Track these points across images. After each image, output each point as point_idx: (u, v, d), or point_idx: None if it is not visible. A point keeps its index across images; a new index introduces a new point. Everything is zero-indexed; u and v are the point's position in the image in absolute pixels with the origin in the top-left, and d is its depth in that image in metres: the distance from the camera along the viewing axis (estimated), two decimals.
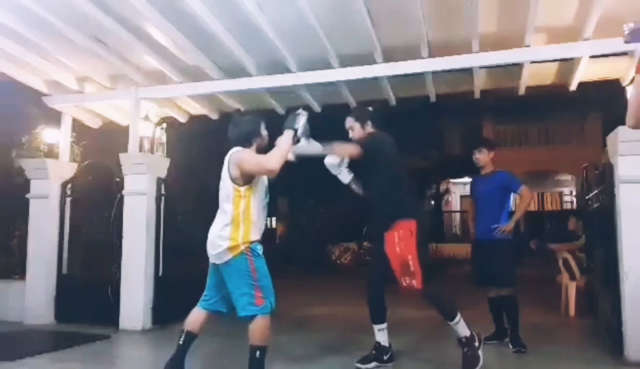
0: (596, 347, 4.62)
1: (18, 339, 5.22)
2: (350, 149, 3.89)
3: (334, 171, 4.02)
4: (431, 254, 13.98)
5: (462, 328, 3.76)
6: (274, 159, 3.17)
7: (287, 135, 3.28)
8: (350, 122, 4.08)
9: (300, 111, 3.44)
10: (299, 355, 4.46)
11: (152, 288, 5.67)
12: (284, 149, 3.23)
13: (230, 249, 3.20)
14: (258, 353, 3.19)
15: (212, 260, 3.35)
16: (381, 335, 3.94)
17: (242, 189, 3.24)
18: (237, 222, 3.23)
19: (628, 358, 4.07)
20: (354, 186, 4.09)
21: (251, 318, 3.18)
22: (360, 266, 14.40)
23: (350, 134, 4.06)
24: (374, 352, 3.94)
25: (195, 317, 3.43)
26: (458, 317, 3.76)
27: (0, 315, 6.10)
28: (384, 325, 3.95)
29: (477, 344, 3.75)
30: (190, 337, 3.40)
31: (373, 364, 3.90)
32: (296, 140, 3.33)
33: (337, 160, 3.94)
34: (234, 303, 3.28)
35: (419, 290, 3.70)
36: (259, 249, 3.29)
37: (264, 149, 3.42)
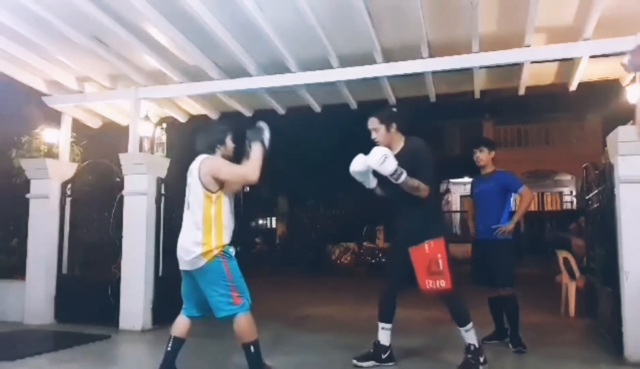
0: (596, 347, 4.62)
1: (18, 339, 5.21)
2: (423, 193, 3.66)
3: (359, 178, 3.89)
4: None
5: (471, 336, 3.78)
6: (254, 171, 3.36)
7: (257, 148, 3.43)
8: (374, 123, 3.86)
9: (260, 123, 3.58)
10: (298, 353, 4.46)
11: (152, 288, 5.67)
12: (259, 160, 3.39)
13: (204, 254, 3.29)
14: (252, 348, 3.30)
15: (184, 267, 3.42)
16: (383, 334, 3.95)
17: (214, 195, 3.36)
18: (208, 227, 3.32)
19: (628, 358, 4.07)
20: (378, 191, 4.00)
21: (231, 317, 3.28)
22: (360, 266, 14.41)
23: (374, 135, 3.88)
24: (371, 350, 3.95)
25: (181, 323, 3.50)
26: (471, 324, 3.78)
27: (0, 315, 6.10)
28: (389, 325, 3.96)
29: (481, 359, 3.76)
30: (178, 342, 3.45)
31: (370, 362, 3.91)
32: (265, 150, 3.46)
33: (363, 168, 3.75)
34: (211, 306, 3.36)
35: (447, 290, 3.71)
36: (232, 251, 3.39)
37: (228, 159, 3.55)
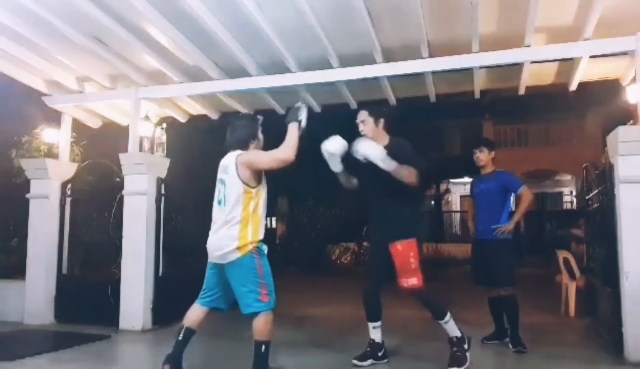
0: (596, 347, 4.62)
1: (18, 339, 5.21)
2: (413, 178, 3.77)
3: (329, 157, 3.86)
4: (431, 254, 14.02)
5: (452, 328, 3.89)
6: (288, 150, 3.34)
7: (293, 127, 3.43)
8: (364, 115, 4.02)
9: (299, 103, 3.57)
10: (298, 352, 4.48)
11: (152, 288, 5.67)
12: (294, 140, 3.39)
13: (239, 248, 3.30)
14: (263, 347, 3.32)
15: (215, 260, 3.42)
16: (375, 332, 4.05)
17: (254, 190, 3.37)
18: (246, 222, 3.33)
19: (628, 358, 4.08)
20: (342, 178, 4.02)
21: (256, 314, 3.28)
22: (360, 266, 14.40)
23: (361, 127, 4.01)
24: (368, 349, 4.03)
25: (195, 313, 3.50)
26: (448, 316, 3.88)
27: (0, 315, 6.10)
28: (379, 323, 4.06)
29: (466, 346, 3.88)
30: (189, 333, 3.47)
31: (369, 361, 3.99)
32: (301, 131, 3.46)
33: (339, 149, 3.78)
34: (238, 301, 3.38)
35: (420, 288, 3.81)
36: (265, 248, 3.42)
37: (261, 150, 3.56)
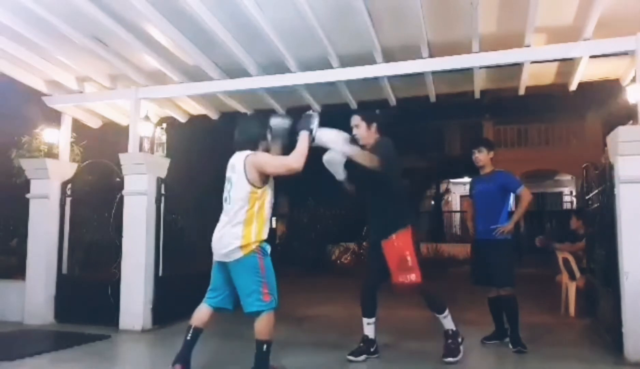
0: (596, 347, 4.62)
1: (18, 339, 5.21)
2: (374, 162, 3.86)
3: (332, 168, 3.98)
4: (431, 254, 14.02)
5: (449, 322, 4.08)
6: (298, 159, 3.39)
7: (304, 136, 3.48)
8: (356, 120, 4.17)
9: (311, 112, 3.65)
10: (298, 353, 4.48)
11: (152, 288, 5.66)
12: (305, 148, 3.43)
13: (242, 247, 3.32)
14: (265, 346, 3.35)
15: (219, 258, 3.44)
16: (369, 329, 4.19)
17: (260, 190, 3.40)
18: (250, 222, 3.36)
19: (628, 358, 4.07)
20: (347, 185, 4.14)
21: (258, 313, 3.32)
22: (360, 266, 14.40)
23: (354, 131, 4.14)
24: (362, 345, 4.16)
25: (202, 313, 3.52)
26: (447, 311, 4.07)
27: (0, 315, 6.10)
28: (373, 320, 4.19)
29: (459, 340, 4.07)
30: (197, 332, 3.49)
31: (363, 356, 4.12)
32: (312, 140, 3.51)
33: (339, 157, 3.88)
34: (241, 300, 3.40)
35: (418, 284, 3.96)
36: (268, 248, 3.44)
37: (268, 151, 3.61)
